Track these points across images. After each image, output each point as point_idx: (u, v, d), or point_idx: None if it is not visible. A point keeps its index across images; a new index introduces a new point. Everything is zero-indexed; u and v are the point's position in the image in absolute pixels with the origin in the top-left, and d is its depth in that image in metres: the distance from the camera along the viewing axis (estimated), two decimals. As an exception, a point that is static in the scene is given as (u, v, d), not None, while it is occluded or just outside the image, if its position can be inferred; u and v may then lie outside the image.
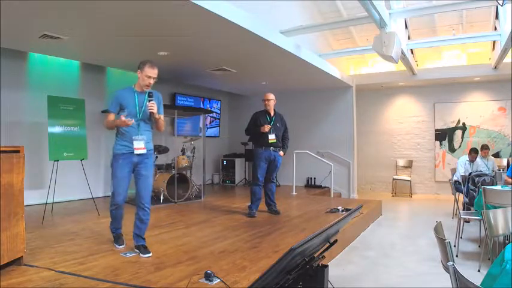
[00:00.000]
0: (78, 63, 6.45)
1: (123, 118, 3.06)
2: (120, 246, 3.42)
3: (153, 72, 3.16)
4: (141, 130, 3.23)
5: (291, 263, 1.61)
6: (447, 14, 6.87)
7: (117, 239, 3.49)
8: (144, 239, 3.31)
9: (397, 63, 5.73)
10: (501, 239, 3.95)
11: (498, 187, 4.16)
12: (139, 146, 3.19)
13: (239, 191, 8.15)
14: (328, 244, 2.08)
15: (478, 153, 6.31)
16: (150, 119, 3.28)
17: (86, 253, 3.24)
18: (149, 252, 3.21)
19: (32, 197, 5.33)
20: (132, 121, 3.09)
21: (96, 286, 2.52)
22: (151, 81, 3.18)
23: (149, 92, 3.23)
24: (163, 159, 6.87)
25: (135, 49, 5.27)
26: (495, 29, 6.85)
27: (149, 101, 3.19)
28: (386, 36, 4.84)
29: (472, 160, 6.24)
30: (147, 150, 3.25)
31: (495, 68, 7.47)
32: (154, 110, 3.19)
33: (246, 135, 5.37)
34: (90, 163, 5.48)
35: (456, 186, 5.44)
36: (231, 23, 4.14)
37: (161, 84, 7.86)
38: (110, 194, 3.70)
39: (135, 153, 3.17)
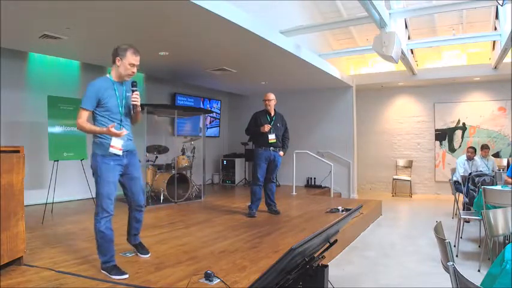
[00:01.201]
0: (78, 63, 6.45)
1: (112, 130, 2.60)
2: (124, 276, 2.66)
3: (136, 59, 2.73)
4: (124, 125, 2.81)
5: (291, 263, 1.61)
6: (447, 14, 6.87)
7: (115, 269, 2.70)
8: (139, 233, 3.20)
9: (397, 63, 5.73)
10: (501, 239, 3.95)
11: (498, 187, 4.16)
12: (126, 143, 2.80)
13: (239, 191, 8.15)
14: (328, 244, 2.08)
15: (475, 151, 6.30)
16: (129, 112, 2.86)
17: (85, 253, 3.24)
18: (148, 253, 3.20)
19: (32, 197, 5.33)
20: (124, 132, 2.69)
21: (96, 286, 2.53)
22: (135, 70, 2.75)
23: (133, 82, 2.81)
24: (163, 159, 6.87)
25: (135, 49, 5.25)
26: (495, 29, 6.85)
27: (133, 91, 2.78)
28: (386, 36, 4.84)
29: (470, 158, 6.24)
30: (133, 149, 2.88)
31: (495, 68, 7.47)
32: (139, 103, 2.80)
33: (246, 135, 5.37)
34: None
35: (456, 186, 5.44)
36: (231, 23, 4.14)
37: (161, 84, 7.91)
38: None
39: (119, 152, 2.73)
